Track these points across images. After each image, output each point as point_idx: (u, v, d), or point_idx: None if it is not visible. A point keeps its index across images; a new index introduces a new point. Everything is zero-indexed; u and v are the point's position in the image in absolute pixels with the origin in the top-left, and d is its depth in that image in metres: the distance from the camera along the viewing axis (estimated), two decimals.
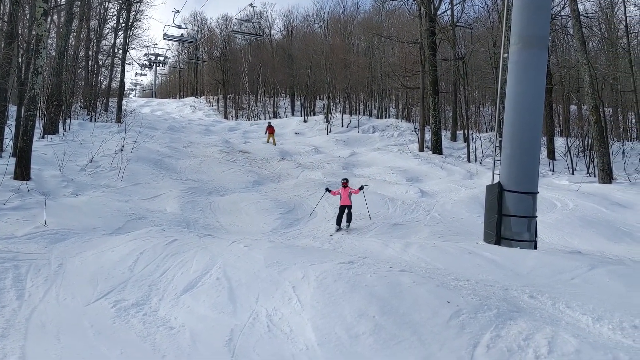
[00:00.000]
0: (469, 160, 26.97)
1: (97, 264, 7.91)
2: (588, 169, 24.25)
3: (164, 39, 39.77)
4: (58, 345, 5.51)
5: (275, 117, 49.30)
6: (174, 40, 41.20)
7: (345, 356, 5.05)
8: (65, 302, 6.82)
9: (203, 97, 64.60)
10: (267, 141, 30.31)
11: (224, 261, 7.42)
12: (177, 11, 71.04)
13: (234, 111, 53.70)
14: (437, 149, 28.33)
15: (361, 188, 14.37)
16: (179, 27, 41.37)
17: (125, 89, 45.18)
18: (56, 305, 6.70)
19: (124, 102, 36.18)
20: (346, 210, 13.83)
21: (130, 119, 30.06)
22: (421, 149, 29.22)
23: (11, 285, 7.10)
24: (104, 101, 35.91)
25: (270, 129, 31.18)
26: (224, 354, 5.32)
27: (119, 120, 31.53)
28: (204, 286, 6.84)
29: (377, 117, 43.60)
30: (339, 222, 13.70)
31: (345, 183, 14.38)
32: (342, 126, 37.61)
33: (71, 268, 7.88)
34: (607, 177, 20.91)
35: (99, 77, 36.21)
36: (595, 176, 22.31)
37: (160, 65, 61.32)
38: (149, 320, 6.22)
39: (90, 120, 29.38)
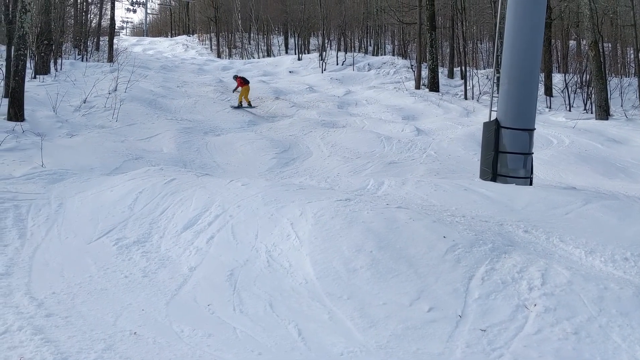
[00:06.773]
0: (465, 98, 26.72)
1: (96, 203, 7.98)
2: (585, 105, 24.09)
3: None
4: (62, 281, 5.64)
5: (269, 55, 48.23)
6: None
7: (343, 288, 5.20)
8: (67, 240, 6.93)
9: (195, 35, 63.02)
10: None
11: (222, 199, 7.49)
12: None
13: (227, 50, 52.57)
14: (433, 86, 27.97)
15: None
16: None
17: (116, 27, 44.00)
18: (58, 244, 6.81)
19: (115, 40, 35.28)
20: None
21: (122, 58, 29.37)
22: (417, 87, 28.86)
23: (12, 225, 7.18)
24: (95, 40, 35.01)
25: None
26: (225, 288, 5.47)
27: (110, 59, 30.83)
28: (203, 223, 6.94)
29: (373, 55, 42.72)
30: None
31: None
32: (337, 64, 36.95)
33: (71, 207, 7.95)
34: (604, 113, 20.83)
35: (89, 15, 35.15)
36: (592, 112, 22.19)
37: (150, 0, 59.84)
38: (152, 257, 6.34)
39: (82, 60, 28.73)
